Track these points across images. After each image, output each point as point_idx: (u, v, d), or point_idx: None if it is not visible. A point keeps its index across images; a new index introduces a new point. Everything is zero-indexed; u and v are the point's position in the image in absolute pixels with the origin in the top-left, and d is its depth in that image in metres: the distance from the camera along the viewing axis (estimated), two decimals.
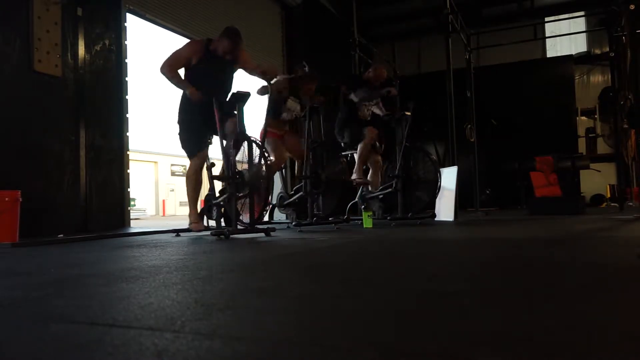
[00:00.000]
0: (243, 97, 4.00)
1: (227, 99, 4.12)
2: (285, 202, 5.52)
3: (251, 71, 4.31)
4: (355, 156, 5.61)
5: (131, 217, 5.58)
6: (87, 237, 3.94)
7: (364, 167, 5.86)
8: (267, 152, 4.19)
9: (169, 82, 4.12)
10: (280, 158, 5.24)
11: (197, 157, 4.15)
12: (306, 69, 5.46)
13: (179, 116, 4.25)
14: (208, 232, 4.18)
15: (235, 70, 4.33)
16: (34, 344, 0.93)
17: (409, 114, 5.43)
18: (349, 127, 5.72)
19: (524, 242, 3.06)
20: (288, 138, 5.40)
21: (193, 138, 4.18)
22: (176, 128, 4.27)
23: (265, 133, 4.55)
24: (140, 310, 1.18)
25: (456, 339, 0.88)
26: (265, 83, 4.57)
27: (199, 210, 4.36)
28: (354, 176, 5.54)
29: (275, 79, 4.92)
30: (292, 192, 5.49)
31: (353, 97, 5.71)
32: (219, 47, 4.15)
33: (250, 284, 1.66)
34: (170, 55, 4.13)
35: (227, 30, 4.17)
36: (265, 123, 5.01)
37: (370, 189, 5.75)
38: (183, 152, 4.25)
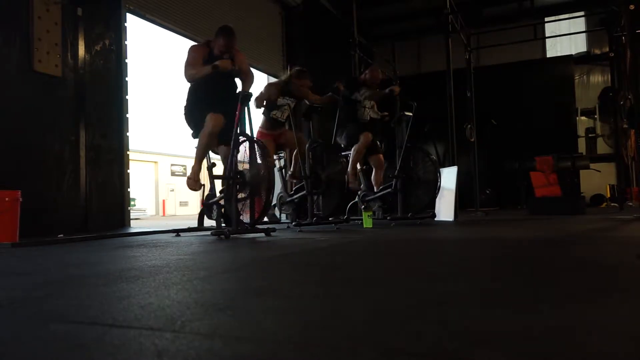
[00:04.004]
0: (246, 96, 4.00)
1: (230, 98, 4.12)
2: (286, 202, 5.52)
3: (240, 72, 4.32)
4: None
5: (131, 217, 5.59)
6: (87, 237, 3.94)
7: (365, 167, 5.86)
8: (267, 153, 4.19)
9: (199, 78, 4.10)
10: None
11: (208, 120, 4.05)
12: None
13: (186, 117, 4.28)
14: (208, 231, 4.18)
15: (236, 68, 4.31)
16: (34, 344, 0.93)
17: (409, 114, 5.43)
18: (347, 128, 5.72)
19: (524, 242, 3.06)
20: (285, 134, 5.40)
21: (199, 113, 4.15)
22: (189, 131, 4.29)
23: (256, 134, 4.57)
24: (140, 310, 1.18)
25: (456, 339, 0.88)
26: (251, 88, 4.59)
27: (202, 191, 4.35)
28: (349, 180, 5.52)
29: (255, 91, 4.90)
30: (292, 192, 5.49)
31: (357, 95, 5.72)
32: (215, 47, 4.20)
33: (251, 283, 1.66)
34: (185, 64, 4.16)
35: (221, 29, 4.21)
36: (260, 125, 5.00)
37: (375, 188, 5.75)
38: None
